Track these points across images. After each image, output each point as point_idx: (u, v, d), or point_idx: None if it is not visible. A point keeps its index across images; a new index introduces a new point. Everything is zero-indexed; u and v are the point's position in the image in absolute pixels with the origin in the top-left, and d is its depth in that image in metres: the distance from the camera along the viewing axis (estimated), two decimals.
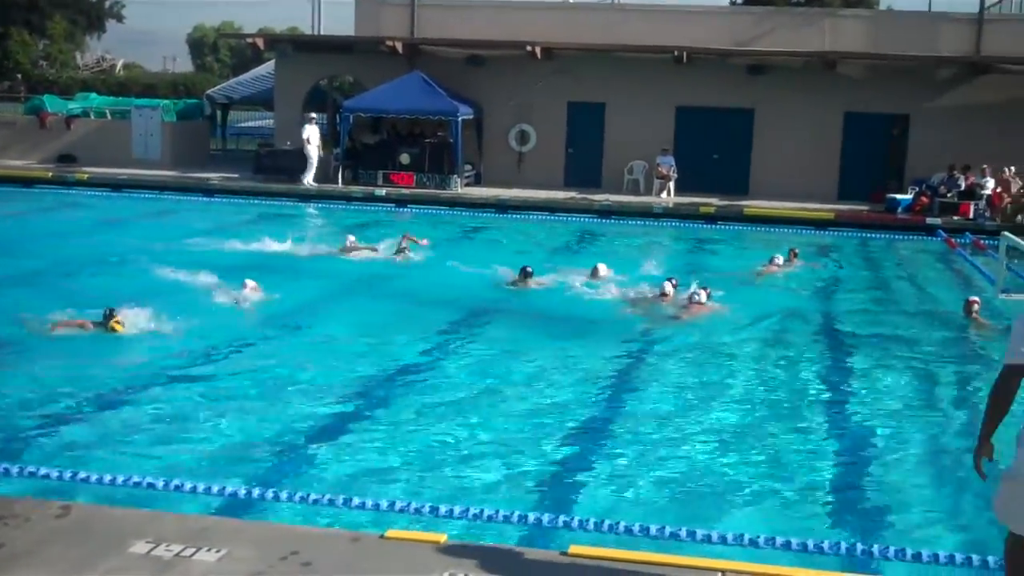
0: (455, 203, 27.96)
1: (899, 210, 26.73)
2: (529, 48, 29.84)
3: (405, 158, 29.60)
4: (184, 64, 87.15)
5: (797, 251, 20.47)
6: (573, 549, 6.77)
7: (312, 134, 28.86)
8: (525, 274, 17.09)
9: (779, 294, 17.79)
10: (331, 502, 7.78)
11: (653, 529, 7.29)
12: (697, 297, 15.64)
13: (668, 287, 16.23)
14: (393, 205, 27.72)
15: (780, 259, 19.62)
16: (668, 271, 18.42)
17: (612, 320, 15.39)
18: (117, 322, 12.94)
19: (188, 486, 7.90)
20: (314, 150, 28.89)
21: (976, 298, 15.87)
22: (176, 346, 12.88)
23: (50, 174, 30.45)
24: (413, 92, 29.28)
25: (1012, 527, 5.76)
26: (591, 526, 7.44)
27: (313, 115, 29.04)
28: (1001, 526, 5.86)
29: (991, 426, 5.69)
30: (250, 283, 15.47)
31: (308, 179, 28.92)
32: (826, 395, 12.22)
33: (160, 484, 7.95)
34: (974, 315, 15.48)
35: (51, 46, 54.89)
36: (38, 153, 33.44)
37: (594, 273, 17.51)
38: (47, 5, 53.57)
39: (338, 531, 7.21)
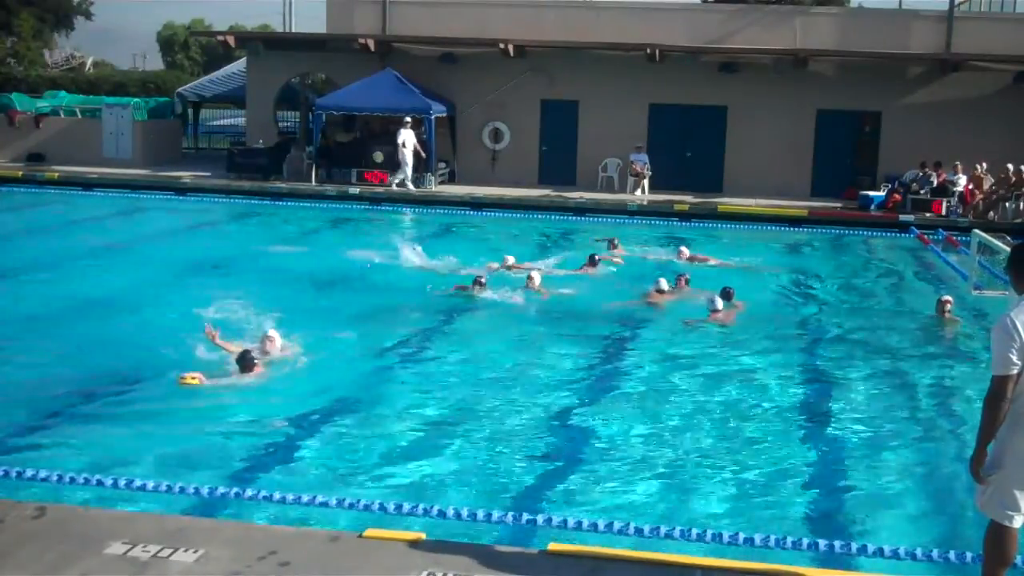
0: (429, 201, 27.89)
1: (872, 207, 26.89)
2: (502, 46, 29.81)
3: (379, 156, 29.46)
4: (154, 62, 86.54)
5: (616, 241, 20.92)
6: (552, 547, 6.77)
7: (408, 138, 28.52)
8: (478, 284, 16.40)
9: (755, 291, 17.80)
10: (309, 502, 7.73)
11: (632, 527, 7.29)
12: (714, 304, 15.17)
13: (664, 284, 16.41)
14: (367, 203, 27.60)
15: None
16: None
17: (592, 318, 15.37)
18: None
19: (164, 486, 7.84)
20: (409, 154, 28.52)
21: (949, 297, 15.88)
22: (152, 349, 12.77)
23: (20, 173, 30.18)
24: (386, 90, 29.19)
25: (993, 516, 5.86)
26: (571, 524, 7.43)
27: (408, 119, 28.79)
28: (979, 519, 5.92)
29: (988, 435, 5.78)
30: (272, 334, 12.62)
31: (406, 181, 28.51)
32: (799, 395, 12.22)
33: (136, 484, 7.88)
34: (947, 314, 15.53)
35: (19, 44, 54.23)
36: (7, 152, 33.09)
37: (529, 283, 16.66)
38: (14, 2, 53.00)
39: (316, 531, 7.17)
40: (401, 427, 10.42)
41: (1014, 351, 5.64)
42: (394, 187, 28.40)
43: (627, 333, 14.76)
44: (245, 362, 11.42)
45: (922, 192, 26.77)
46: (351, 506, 7.64)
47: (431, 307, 15.85)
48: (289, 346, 12.37)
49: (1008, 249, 15.75)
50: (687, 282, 16.85)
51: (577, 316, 15.60)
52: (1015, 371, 5.66)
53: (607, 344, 14.12)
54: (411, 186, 28.49)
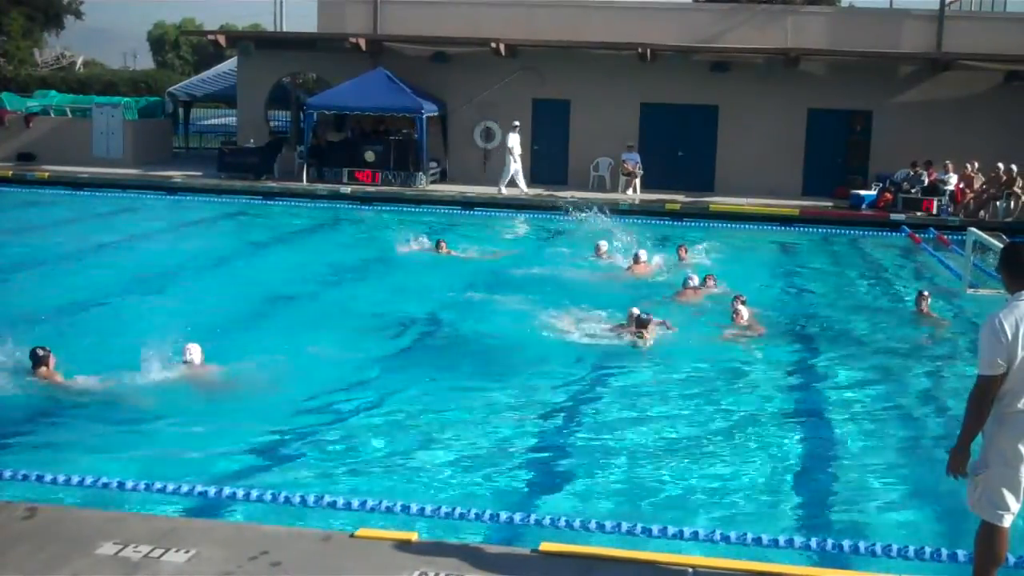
0: (421, 201, 27.86)
1: (863, 206, 26.92)
2: (493, 45, 29.79)
3: (370, 155, 29.46)
4: (145, 61, 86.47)
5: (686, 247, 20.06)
6: (544, 547, 6.76)
7: (515, 143, 28.54)
8: (640, 322, 13.92)
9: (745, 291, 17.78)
10: (302, 501, 7.71)
11: (624, 526, 7.28)
12: (738, 313, 14.72)
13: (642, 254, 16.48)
14: (359, 203, 27.55)
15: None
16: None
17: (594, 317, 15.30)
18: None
19: (157, 486, 7.81)
20: (517, 158, 28.50)
21: (926, 291, 15.94)
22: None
23: (10, 173, 30.07)
24: (377, 89, 29.15)
25: (984, 516, 5.88)
26: (562, 524, 7.42)
27: (516, 123, 28.79)
28: (967, 518, 5.94)
29: (971, 434, 5.83)
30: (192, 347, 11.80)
31: (517, 182, 28.50)
32: (790, 394, 12.23)
33: (129, 485, 7.85)
34: (924, 308, 15.57)
35: (8, 43, 54.06)
36: None
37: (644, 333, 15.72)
38: (4, 1, 52.82)
39: (308, 530, 7.14)
40: (393, 426, 10.40)
41: (1000, 352, 5.67)
42: (503, 192, 28.25)
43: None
44: (35, 360, 11.06)
45: (913, 191, 26.82)
46: (343, 506, 7.63)
47: (424, 307, 15.84)
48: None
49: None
50: (714, 281, 16.83)
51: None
52: (1001, 372, 5.69)
53: (603, 344, 14.08)
54: (505, 189, 28.34)
